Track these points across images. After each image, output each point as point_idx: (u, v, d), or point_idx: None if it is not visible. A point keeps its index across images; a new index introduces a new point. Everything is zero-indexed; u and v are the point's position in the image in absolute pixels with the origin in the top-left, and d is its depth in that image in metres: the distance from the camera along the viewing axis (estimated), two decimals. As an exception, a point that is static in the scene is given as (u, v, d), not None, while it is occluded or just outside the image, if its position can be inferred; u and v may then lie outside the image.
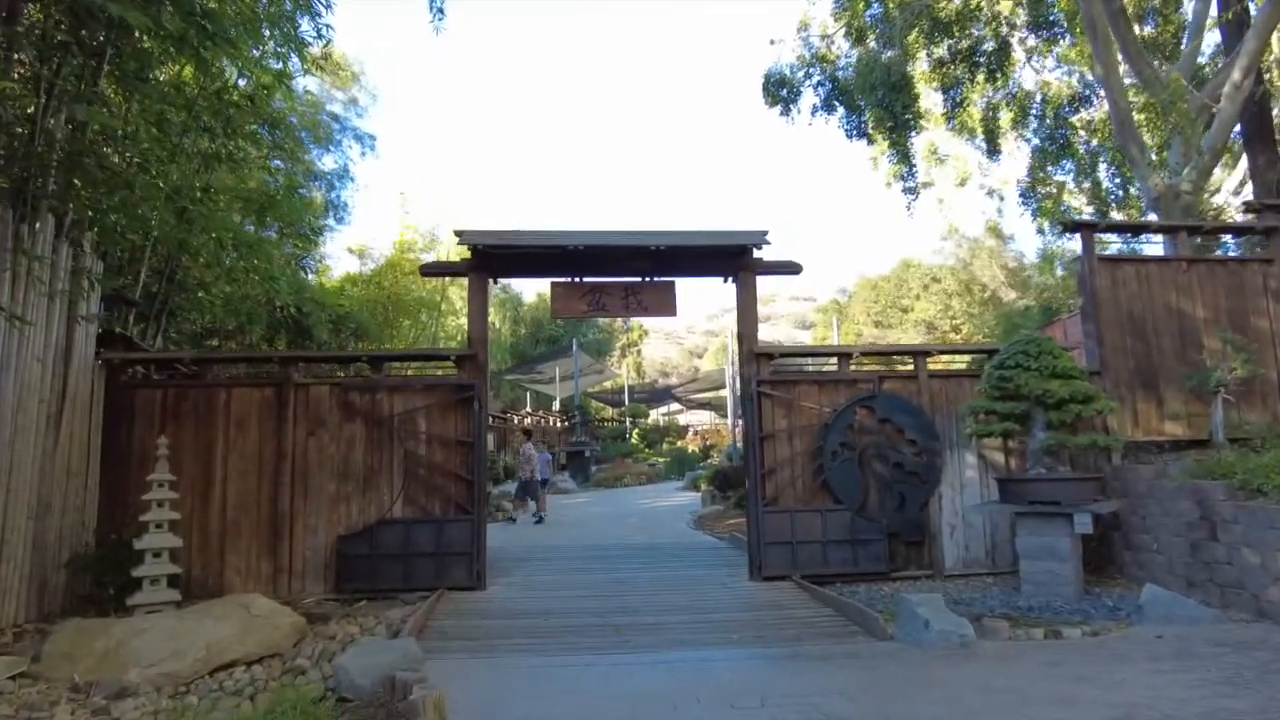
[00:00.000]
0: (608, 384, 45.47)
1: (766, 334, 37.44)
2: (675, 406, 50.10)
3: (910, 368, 9.24)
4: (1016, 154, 25.76)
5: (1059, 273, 37.96)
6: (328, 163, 19.75)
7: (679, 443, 37.00)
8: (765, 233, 8.64)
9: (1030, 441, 7.92)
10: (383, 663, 5.04)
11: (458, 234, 8.30)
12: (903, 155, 17.58)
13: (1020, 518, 7.66)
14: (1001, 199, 31.29)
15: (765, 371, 8.82)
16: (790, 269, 9.00)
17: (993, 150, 18.22)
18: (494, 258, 8.55)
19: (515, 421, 32.42)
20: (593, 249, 8.30)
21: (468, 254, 8.66)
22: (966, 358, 10.81)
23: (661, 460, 29.71)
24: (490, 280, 8.87)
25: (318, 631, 6.71)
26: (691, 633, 6.25)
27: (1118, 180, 17.63)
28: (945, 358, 10.68)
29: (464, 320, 42.73)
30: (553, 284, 8.80)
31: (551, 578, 8.88)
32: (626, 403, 37.82)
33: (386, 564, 8.01)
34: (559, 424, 34.68)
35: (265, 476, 8.18)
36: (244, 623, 6.12)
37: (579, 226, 9.06)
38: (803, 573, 8.26)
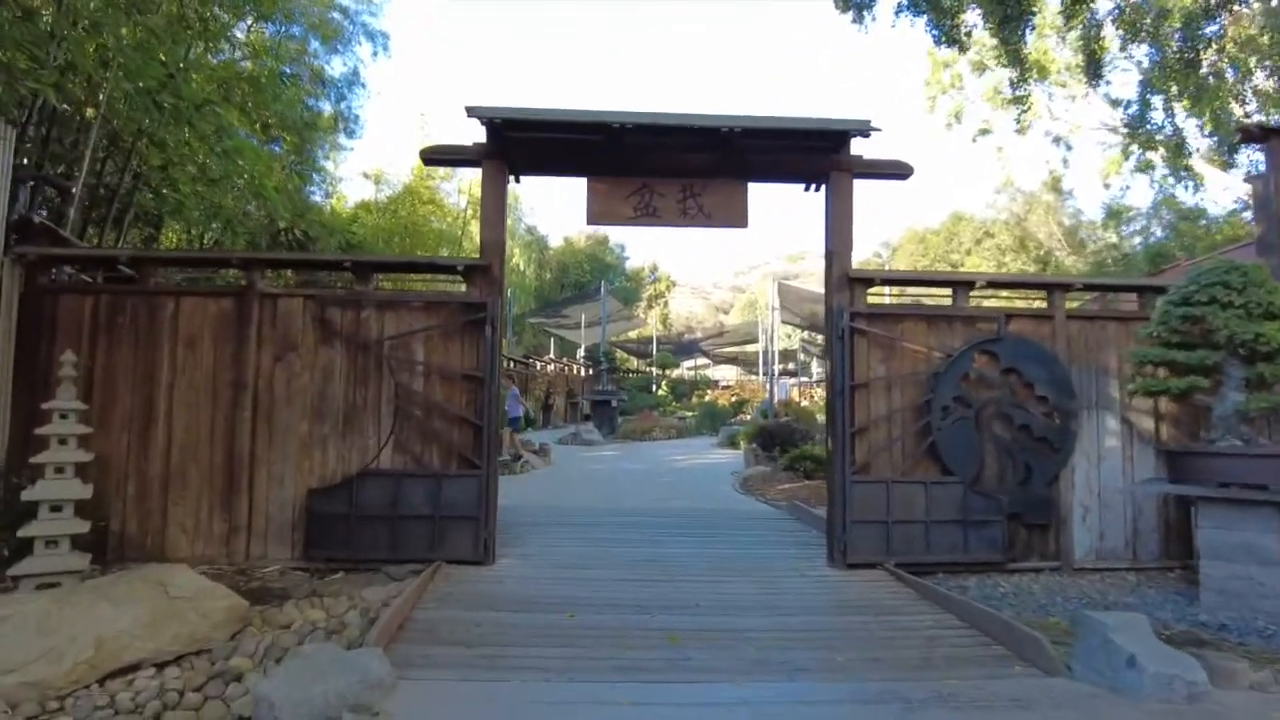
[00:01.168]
0: (633, 334, 43.67)
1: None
2: (702, 361, 48.24)
3: (1043, 305, 7.26)
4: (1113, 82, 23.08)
5: (1123, 230, 35.37)
6: (336, 66, 17.69)
7: (708, 396, 35.23)
8: (868, 121, 6.61)
9: (1219, 404, 5.94)
10: (328, 692, 3.31)
11: (469, 109, 6.35)
12: (1014, 57, 15.12)
13: (1205, 505, 5.74)
14: (1069, 148, 28.88)
15: (861, 302, 6.88)
16: (898, 171, 6.97)
17: (1094, 73, 15.80)
18: (515, 143, 6.61)
19: (539, 368, 30.75)
20: (643, 131, 6.31)
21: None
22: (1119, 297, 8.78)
23: (690, 414, 27.96)
24: (510, 175, 6.95)
25: (268, 617, 5.01)
26: (776, 647, 4.45)
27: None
28: (1087, 294, 8.66)
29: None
30: (590, 182, 6.87)
31: (577, 549, 7.12)
32: (654, 353, 35.98)
33: (369, 527, 6.28)
34: (583, 372, 33.01)
35: (220, 411, 6.42)
36: (157, 607, 4.41)
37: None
38: (898, 559, 6.44)
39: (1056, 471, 6.84)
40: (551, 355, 34.07)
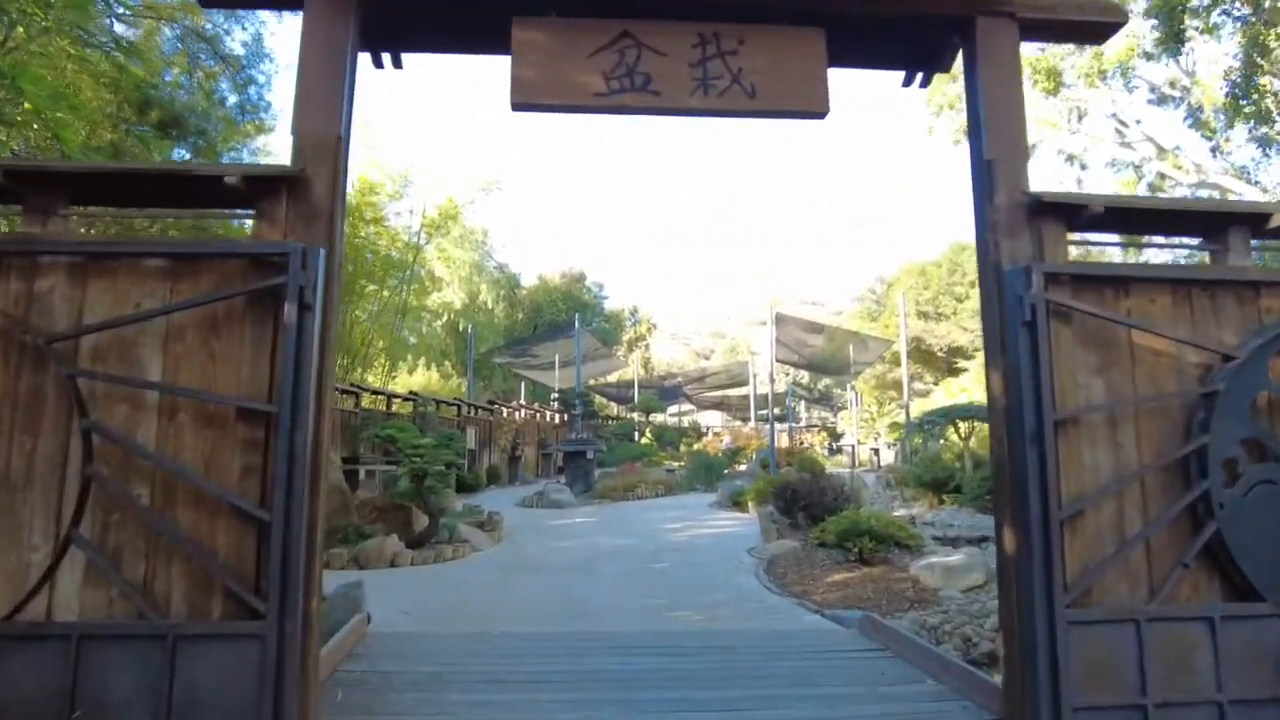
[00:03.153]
0: (613, 377, 40.22)
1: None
2: (686, 406, 44.85)
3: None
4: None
5: (1142, 256, 32.73)
6: (237, 37, 14.30)
7: (697, 445, 31.73)
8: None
9: None
10: None
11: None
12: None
13: None
14: (1084, 167, 26.30)
15: (1058, 256, 3.51)
16: (1096, 21, 3.67)
17: (1176, 38, 12.85)
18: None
19: (506, 415, 27.15)
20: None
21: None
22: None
23: (679, 465, 24.40)
24: (362, 37, 3.61)
25: None
26: None
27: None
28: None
29: (455, 294, 37.33)
30: (519, 27, 3.49)
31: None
32: (636, 398, 32.51)
33: (3, 761, 2.72)
34: (555, 418, 29.46)
35: None
36: None
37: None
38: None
39: None
40: (522, 400, 30.46)
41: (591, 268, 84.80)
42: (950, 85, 26.08)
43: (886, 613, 6.58)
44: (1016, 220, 3.48)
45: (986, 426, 13.23)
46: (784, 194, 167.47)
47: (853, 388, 31.17)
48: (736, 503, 14.64)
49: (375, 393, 19.92)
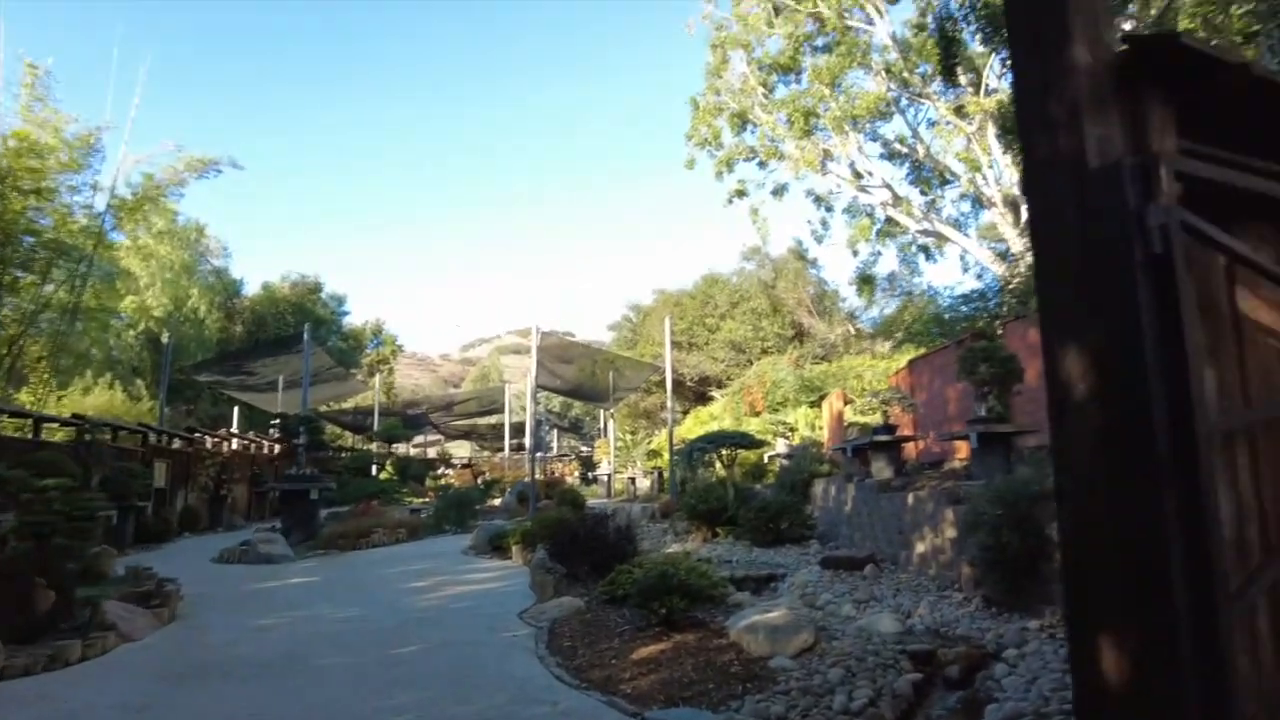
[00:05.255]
0: (349, 403, 36.02)
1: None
2: (433, 436, 41.55)
3: None
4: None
5: (876, 295, 35.50)
6: None
7: (444, 479, 28.92)
8: None
9: None
10: None
11: None
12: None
13: None
14: (829, 209, 27.89)
15: (1167, 142, 2.02)
16: None
17: (949, 69, 13.10)
18: None
19: (211, 445, 22.55)
20: None
21: None
22: None
23: (425, 503, 21.62)
24: None
25: None
26: None
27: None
28: None
29: (156, 299, 31.19)
30: None
31: None
32: (376, 426, 28.93)
33: None
34: (276, 449, 25.20)
35: None
36: None
37: None
38: None
39: None
40: (234, 428, 25.71)
41: (332, 279, 77.49)
42: (716, 119, 26.56)
43: (718, 702, 4.96)
44: (1103, 90, 1.95)
45: (750, 454, 12.29)
46: (542, 222, 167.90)
47: (612, 415, 30.23)
48: (498, 547, 12.49)
49: (16, 415, 15.17)
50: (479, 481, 27.20)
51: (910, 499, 8.88)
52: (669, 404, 22.09)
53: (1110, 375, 1.82)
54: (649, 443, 31.14)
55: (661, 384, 24.89)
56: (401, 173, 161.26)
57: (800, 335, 35.51)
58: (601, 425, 35.84)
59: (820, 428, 20.40)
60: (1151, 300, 1.78)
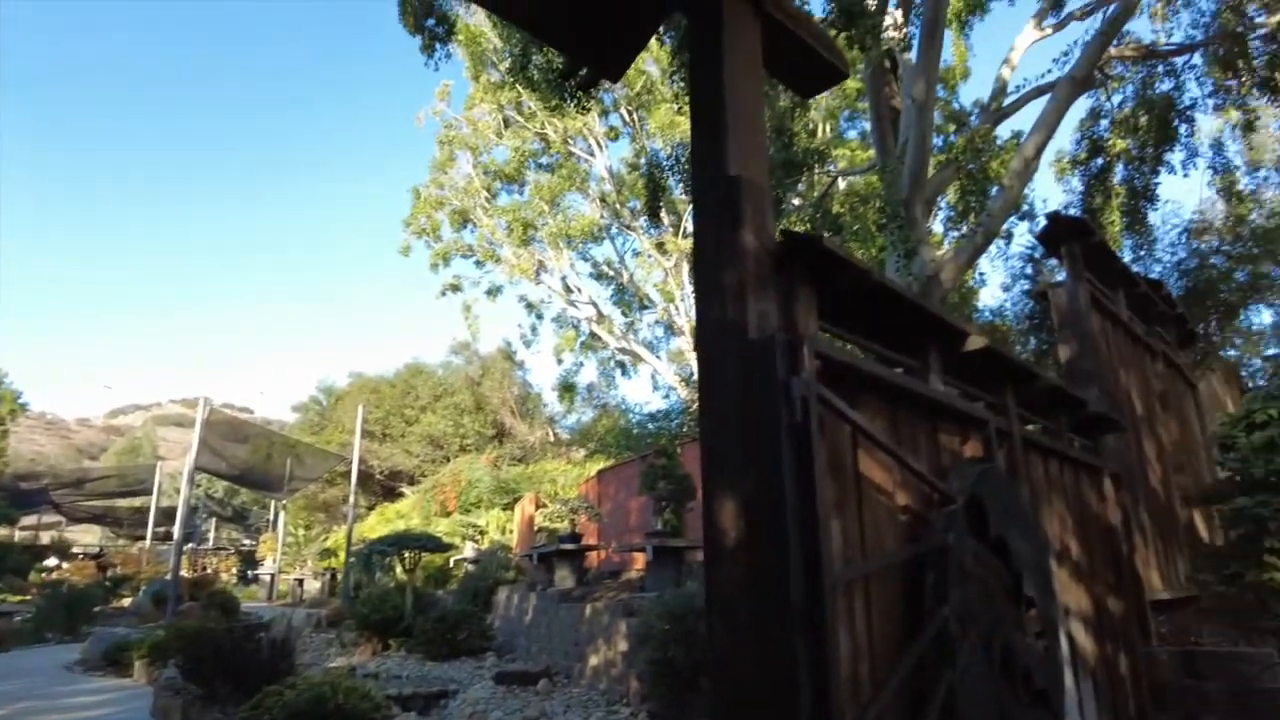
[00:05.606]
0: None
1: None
2: (52, 518, 34.42)
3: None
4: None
5: (576, 403, 36.68)
6: None
7: (57, 572, 23.96)
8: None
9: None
10: None
11: None
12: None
13: None
14: (539, 316, 28.92)
15: (809, 322, 2.35)
16: (824, 69, 2.86)
17: (653, 209, 14.46)
18: None
19: None
20: None
21: None
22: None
23: (21, 601, 17.62)
24: None
25: None
26: None
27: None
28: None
29: None
30: None
31: None
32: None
33: None
34: None
35: None
36: None
37: None
38: None
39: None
40: None
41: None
42: (437, 213, 26.54)
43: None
44: (764, 271, 2.28)
45: (436, 558, 11.87)
46: (228, 286, 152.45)
47: (284, 506, 27.45)
48: (116, 661, 10.45)
49: None
50: (106, 577, 22.87)
51: (588, 610, 9.04)
52: (353, 498, 20.63)
53: (757, 525, 2.05)
54: (325, 540, 28.64)
55: (347, 475, 23.24)
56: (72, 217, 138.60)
57: (501, 435, 35.51)
58: (271, 517, 32.31)
59: (511, 531, 20.27)
60: (793, 460, 2.05)
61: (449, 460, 30.44)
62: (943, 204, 14.20)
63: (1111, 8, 10.14)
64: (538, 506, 17.41)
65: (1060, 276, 5.71)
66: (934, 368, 2.94)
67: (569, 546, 10.96)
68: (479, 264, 26.67)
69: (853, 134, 20.82)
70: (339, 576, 20.72)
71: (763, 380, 2.12)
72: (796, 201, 14.63)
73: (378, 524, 26.53)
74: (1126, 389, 5.60)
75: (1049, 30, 11.06)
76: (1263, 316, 17.48)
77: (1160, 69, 11.60)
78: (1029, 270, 13.67)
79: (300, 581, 24.87)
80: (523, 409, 37.89)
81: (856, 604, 2.33)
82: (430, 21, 9.59)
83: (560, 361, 29.09)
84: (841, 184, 15.78)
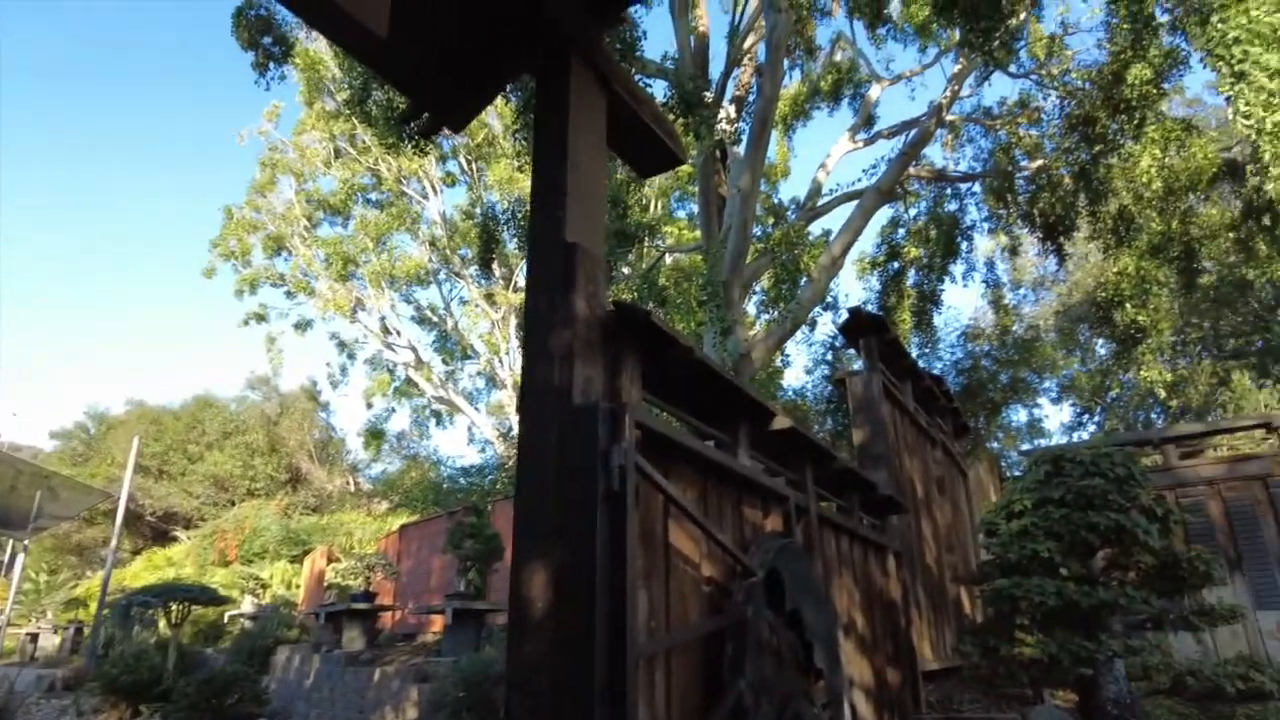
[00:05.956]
0: None
1: None
2: None
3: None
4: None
5: (383, 452, 34.82)
6: None
7: None
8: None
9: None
10: None
11: None
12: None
13: None
14: (351, 356, 27.57)
15: (634, 403, 2.39)
16: (662, 152, 3.01)
17: (485, 260, 14.27)
18: None
19: None
20: None
21: None
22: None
23: None
24: None
25: None
26: None
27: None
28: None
29: None
30: None
31: None
32: None
33: None
34: None
35: None
36: None
37: None
38: None
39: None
40: None
41: None
42: (250, 236, 24.76)
43: None
44: (594, 337, 2.31)
45: (209, 611, 10.78)
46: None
47: (25, 547, 23.76)
48: None
49: None
50: None
51: (378, 674, 8.49)
52: (115, 540, 18.27)
53: (566, 593, 2.02)
54: (73, 588, 25.02)
55: (111, 514, 20.58)
56: None
57: (296, 480, 33.03)
58: (7, 558, 27.83)
59: (298, 587, 18.73)
60: (607, 529, 2.06)
61: (234, 504, 27.77)
62: (758, 289, 15.18)
63: (913, 132, 11.48)
64: (330, 561, 16.23)
65: (857, 366, 6.22)
66: (743, 443, 3.09)
67: (361, 605, 10.27)
68: (290, 294, 25.07)
69: (682, 214, 21.92)
70: (86, 630, 18.11)
71: (584, 446, 2.12)
72: (626, 271, 15.09)
73: (144, 571, 23.60)
74: (910, 473, 6.16)
75: (860, 144, 12.34)
76: (1019, 415, 20.03)
77: (949, 191, 13.23)
78: (829, 357, 14.83)
79: (34, 637, 21.42)
80: (323, 454, 35.57)
81: (658, 675, 2.34)
82: (266, 40, 9.13)
83: (370, 406, 27.78)
84: (669, 259, 16.49)
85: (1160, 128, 9.53)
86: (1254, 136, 6.70)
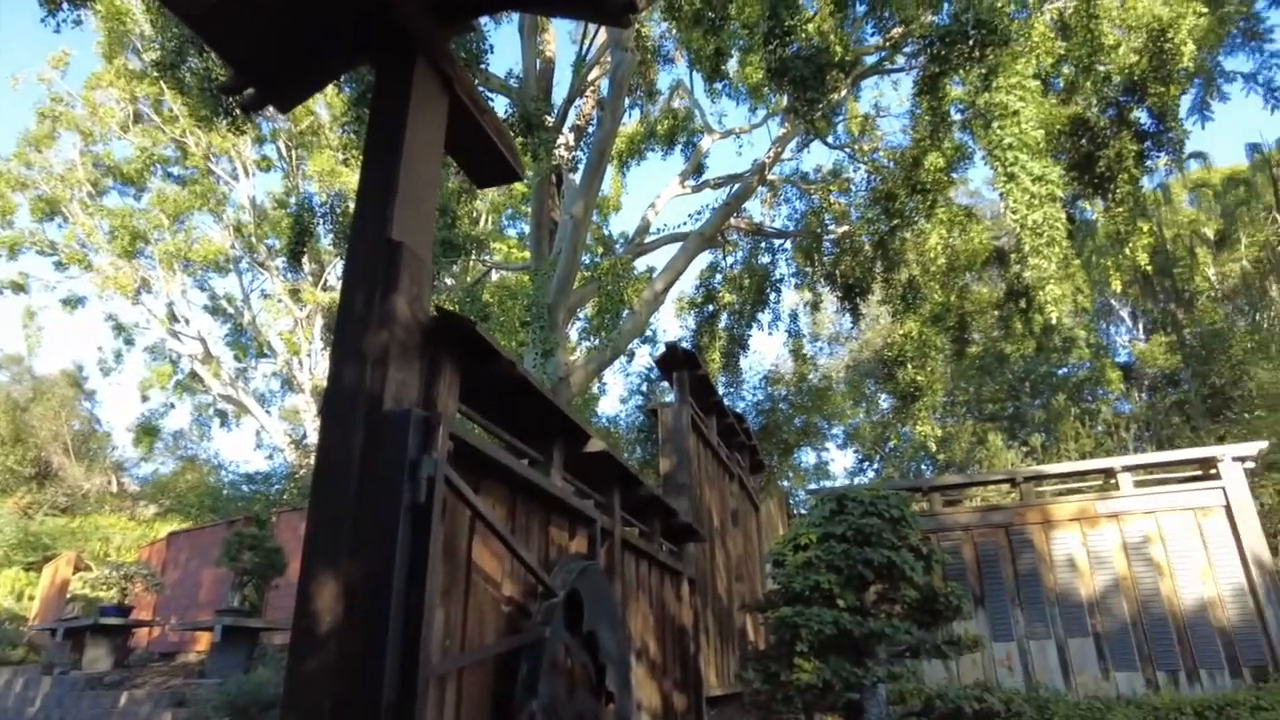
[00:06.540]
0: None
1: None
2: None
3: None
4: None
5: (156, 450, 31.30)
6: None
7: None
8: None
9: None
10: None
11: None
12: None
13: None
14: (130, 342, 24.83)
15: (451, 415, 2.31)
16: (499, 165, 2.99)
17: (295, 253, 13.33)
18: None
19: None
20: None
21: None
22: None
23: None
24: None
25: None
26: None
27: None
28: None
29: None
30: None
31: None
32: None
33: None
34: None
35: None
36: None
37: None
38: None
39: None
40: None
41: None
42: (15, 194, 21.61)
43: None
44: (412, 342, 2.24)
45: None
46: None
47: None
48: None
49: None
50: None
51: (124, 699, 7.56)
52: None
53: (358, 609, 1.92)
54: None
55: None
56: None
57: (45, 476, 28.97)
58: None
59: (33, 598, 16.35)
60: (409, 543, 1.99)
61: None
62: (582, 315, 15.38)
63: (737, 186, 12.20)
64: (78, 569, 14.32)
65: (669, 398, 6.44)
66: (557, 463, 3.10)
67: (112, 620, 9.13)
68: (61, 266, 22.18)
69: (512, 232, 21.79)
70: None
71: (391, 454, 2.04)
72: (450, 282, 14.73)
73: None
74: (709, 503, 6.43)
75: (689, 189, 12.94)
76: (809, 457, 21.54)
77: (764, 245, 14.15)
78: (644, 388, 15.25)
79: None
80: (82, 448, 31.46)
81: (448, 694, 2.28)
82: (62, -23, 8.14)
83: (146, 399, 25.16)
84: (495, 275, 16.29)
85: (948, 211, 10.81)
86: (1019, 229, 7.77)
